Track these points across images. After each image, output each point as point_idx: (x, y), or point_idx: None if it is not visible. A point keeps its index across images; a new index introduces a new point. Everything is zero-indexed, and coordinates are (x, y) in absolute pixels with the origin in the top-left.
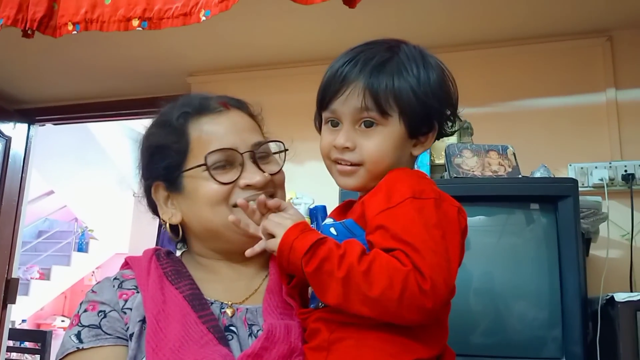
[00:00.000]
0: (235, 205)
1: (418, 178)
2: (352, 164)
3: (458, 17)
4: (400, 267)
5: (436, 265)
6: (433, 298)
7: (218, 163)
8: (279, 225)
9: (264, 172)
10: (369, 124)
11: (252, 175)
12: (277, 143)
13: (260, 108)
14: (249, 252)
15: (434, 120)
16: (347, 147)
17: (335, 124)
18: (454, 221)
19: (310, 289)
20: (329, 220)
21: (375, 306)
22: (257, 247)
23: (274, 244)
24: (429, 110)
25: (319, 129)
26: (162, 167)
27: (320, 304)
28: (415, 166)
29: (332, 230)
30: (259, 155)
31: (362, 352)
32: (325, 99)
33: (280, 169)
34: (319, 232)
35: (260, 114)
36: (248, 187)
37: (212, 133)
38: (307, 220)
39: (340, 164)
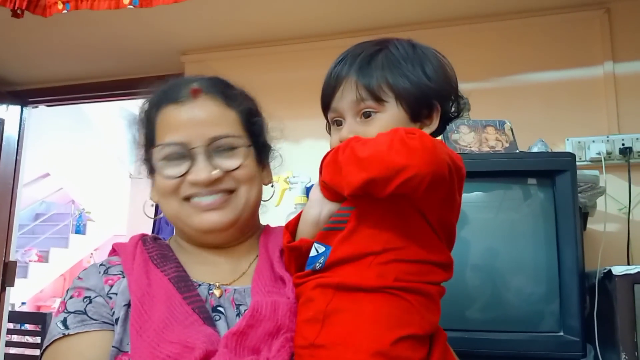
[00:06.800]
0: (185, 199)
1: None
2: None
3: None
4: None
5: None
6: (421, 142)
7: (169, 156)
8: None
9: (216, 168)
10: (368, 115)
11: (198, 172)
12: (235, 138)
13: (247, 89)
14: None
15: (433, 100)
16: None
17: (339, 122)
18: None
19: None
20: None
21: (365, 162)
22: None
23: None
24: (426, 91)
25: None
26: (139, 151)
27: (317, 265)
28: None
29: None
30: (219, 149)
31: (357, 325)
32: (326, 101)
33: (241, 164)
34: None
35: (243, 98)
36: (193, 184)
37: (170, 124)
38: (305, 198)
39: None
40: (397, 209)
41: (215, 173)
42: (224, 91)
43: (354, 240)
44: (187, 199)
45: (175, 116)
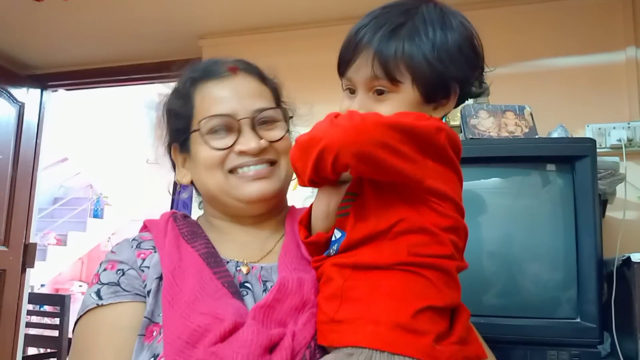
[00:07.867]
0: (230, 171)
1: None
2: None
3: None
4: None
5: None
6: (349, 121)
7: (215, 128)
8: None
9: (261, 138)
10: (381, 92)
11: (247, 142)
12: (281, 110)
13: (274, 72)
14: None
15: (451, 83)
16: None
17: (352, 91)
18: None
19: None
20: None
21: (302, 148)
22: None
23: None
24: (445, 75)
25: None
26: (174, 130)
27: (332, 250)
28: None
29: None
30: (261, 121)
31: (375, 299)
32: (341, 66)
33: (284, 135)
34: None
35: (274, 79)
36: (242, 153)
37: (214, 98)
38: None
39: None
40: (392, 187)
41: (263, 142)
42: (257, 70)
43: (361, 223)
44: (232, 171)
45: (218, 90)
